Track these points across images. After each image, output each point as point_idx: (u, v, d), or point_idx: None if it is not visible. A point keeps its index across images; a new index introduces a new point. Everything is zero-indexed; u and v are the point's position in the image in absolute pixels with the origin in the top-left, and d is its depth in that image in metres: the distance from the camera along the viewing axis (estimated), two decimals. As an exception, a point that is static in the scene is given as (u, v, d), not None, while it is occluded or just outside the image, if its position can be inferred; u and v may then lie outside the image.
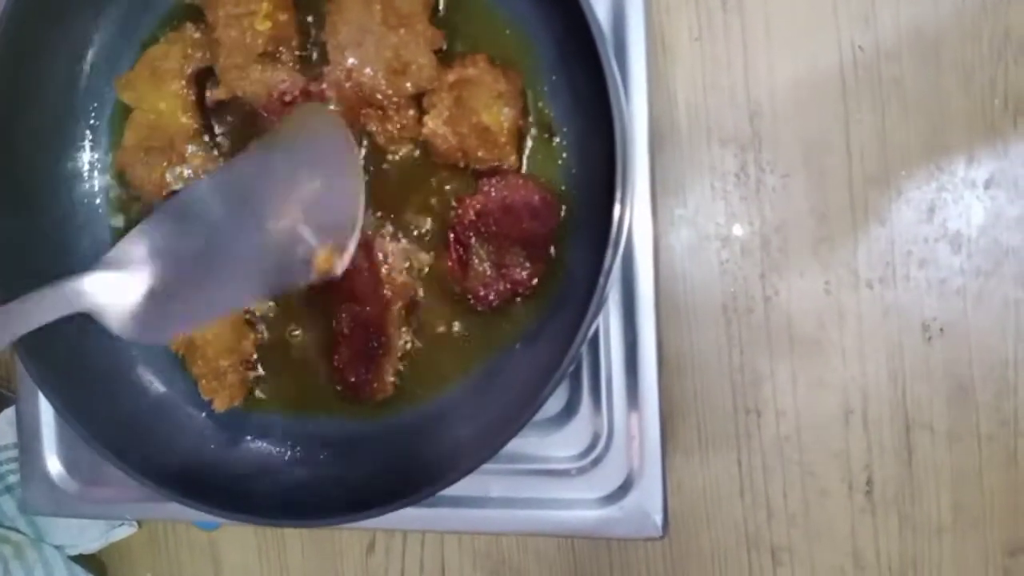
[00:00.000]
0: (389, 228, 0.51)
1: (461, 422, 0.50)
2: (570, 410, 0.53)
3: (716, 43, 0.55)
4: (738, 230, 0.56)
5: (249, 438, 0.54)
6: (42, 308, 0.43)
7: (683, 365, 0.57)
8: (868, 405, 0.55)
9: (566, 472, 0.52)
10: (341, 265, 0.43)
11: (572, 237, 0.49)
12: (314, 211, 0.45)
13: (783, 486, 0.56)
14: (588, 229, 0.47)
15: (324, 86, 0.49)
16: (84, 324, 0.53)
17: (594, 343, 0.51)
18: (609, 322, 0.51)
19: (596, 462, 0.52)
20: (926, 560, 0.55)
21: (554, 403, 0.53)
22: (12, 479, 0.65)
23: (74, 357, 0.51)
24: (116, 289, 0.45)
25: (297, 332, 0.53)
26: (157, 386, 0.54)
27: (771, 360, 0.56)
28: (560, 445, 0.53)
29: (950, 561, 0.55)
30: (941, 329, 0.54)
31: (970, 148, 0.53)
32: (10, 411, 0.64)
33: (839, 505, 0.56)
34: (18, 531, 0.65)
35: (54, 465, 0.60)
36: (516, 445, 0.52)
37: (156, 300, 0.46)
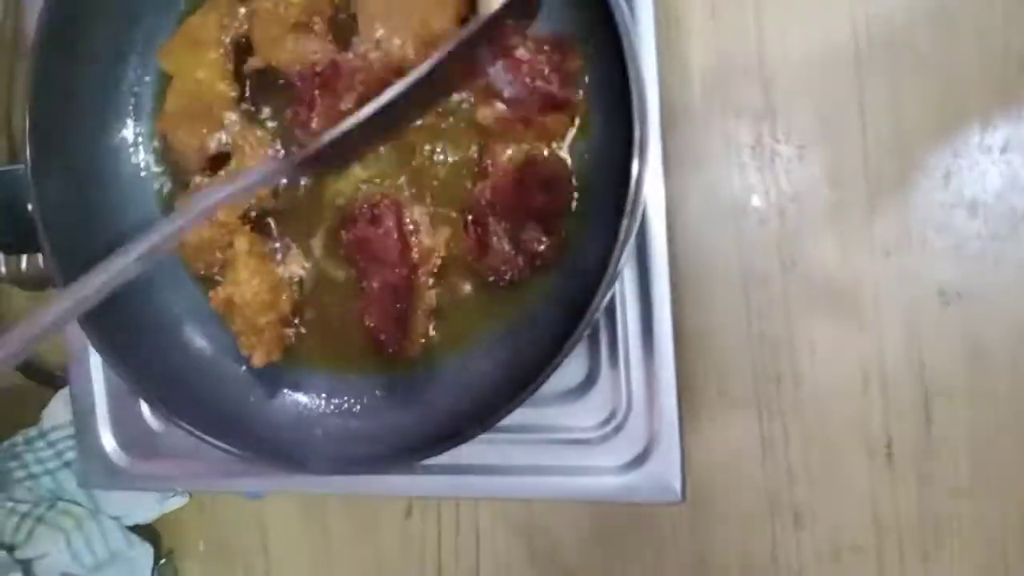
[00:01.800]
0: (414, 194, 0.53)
1: (485, 379, 0.52)
2: (590, 381, 0.54)
3: (730, 13, 0.56)
4: (755, 201, 0.56)
5: (287, 391, 0.56)
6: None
7: (703, 335, 0.58)
8: (886, 370, 0.55)
9: (588, 441, 0.54)
10: None
11: (589, 206, 0.50)
12: None
13: (803, 452, 0.57)
14: (606, 196, 0.47)
15: (352, 56, 0.50)
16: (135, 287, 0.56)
17: (611, 315, 0.53)
18: (625, 294, 0.52)
19: (617, 430, 0.53)
20: (946, 523, 0.55)
21: (574, 374, 0.55)
22: (70, 455, 0.68)
23: (125, 319, 0.54)
24: None
25: (332, 292, 0.55)
26: (201, 342, 0.57)
27: (789, 328, 0.57)
28: (581, 415, 0.54)
29: (969, 523, 0.55)
30: (958, 294, 0.54)
31: (985, 113, 0.52)
32: (65, 392, 0.68)
33: (859, 470, 0.57)
34: (78, 504, 0.68)
35: (108, 442, 0.63)
36: (539, 416, 0.54)
37: None
